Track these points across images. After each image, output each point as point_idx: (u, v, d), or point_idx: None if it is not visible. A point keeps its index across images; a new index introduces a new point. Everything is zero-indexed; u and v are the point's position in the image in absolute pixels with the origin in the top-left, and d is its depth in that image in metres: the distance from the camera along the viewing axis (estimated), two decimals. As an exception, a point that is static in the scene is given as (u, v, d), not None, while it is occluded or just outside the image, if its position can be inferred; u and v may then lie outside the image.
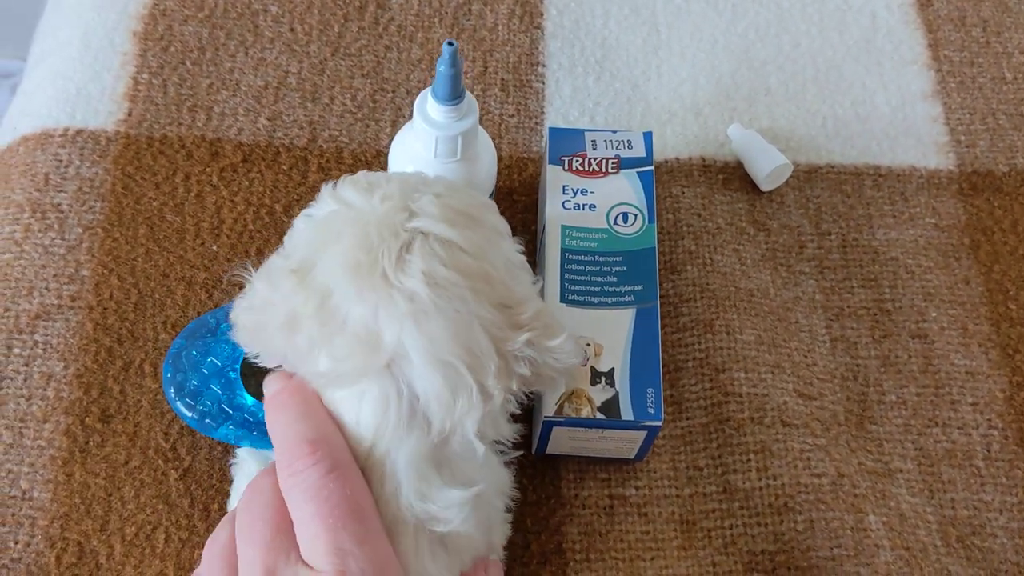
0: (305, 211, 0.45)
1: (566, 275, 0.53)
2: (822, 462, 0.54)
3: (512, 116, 0.66)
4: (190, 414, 0.53)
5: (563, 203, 0.55)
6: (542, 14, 0.70)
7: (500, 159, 0.64)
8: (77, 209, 0.60)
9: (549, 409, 0.49)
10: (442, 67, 0.47)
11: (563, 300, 0.52)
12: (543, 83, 0.67)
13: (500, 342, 0.41)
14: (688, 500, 0.54)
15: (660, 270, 0.58)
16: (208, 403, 0.54)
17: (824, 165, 0.65)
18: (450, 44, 0.46)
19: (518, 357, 0.42)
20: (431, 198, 0.42)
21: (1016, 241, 0.63)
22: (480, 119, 0.65)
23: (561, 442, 0.52)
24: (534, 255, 0.60)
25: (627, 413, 0.49)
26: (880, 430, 0.56)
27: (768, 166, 0.62)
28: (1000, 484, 0.55)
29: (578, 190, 0.56)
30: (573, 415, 0.49)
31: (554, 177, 0.56)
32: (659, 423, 0.49)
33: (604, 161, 0.56)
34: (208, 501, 0.53)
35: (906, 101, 0.68)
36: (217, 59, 0.67)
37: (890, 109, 0.68)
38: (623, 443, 0.51)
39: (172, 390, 0.54)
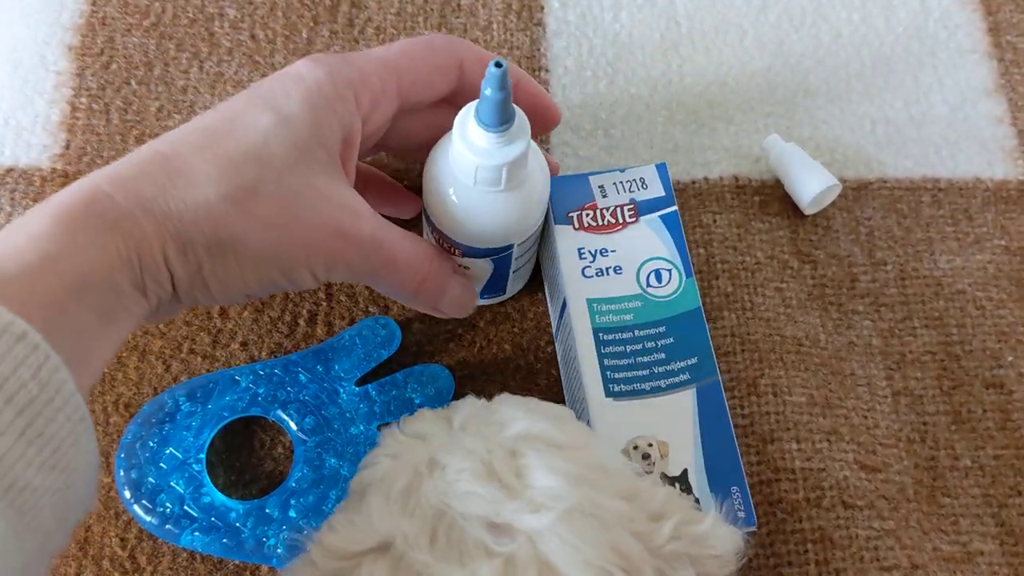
0: (366, 459, 0.38)
1: (605, 361, 0.44)
2: (891, 551, 0.46)
3: (513, 134, 0.56)
4: (149, 518, 0.46)
5: (583, 271, 0.46)
6: (542, 8, 0.61)
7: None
8: (9, 266, 0.51)
9: None
10: (488, 91, 0.37)
11: (608, 394, 0.44)
12: (547, 91, 0.58)
13: (646, 539, 0.34)
14: (736, 598, 0.46)
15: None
16: (169, 504, 0.46)
17: (875, 180, 0.56)
18: (498, 66, 0.36)
19: (674, 558, 0.34)
20: (512, 406, 0.38)
21: (1100, 265, 0.54)
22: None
23: None
24: (551, 327, 0.52)
25: None
26: (955, 503, 0.49)
27: (814, 188, 0.53)
28: (1096, 563, 0.48)
29: (597, 251, 0.46)
30: None
31: (565, 241, 0.47)
32: (753, 528, 0.41)
33: (619, 210, 0.47)
34: (174, 622, 0.45)
35: (966, 99, 0.59)
36: (167, 76, 0.57)
37: (948, 109, 0.59)
38: None
39: (127, 490, 0.46)
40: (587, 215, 0.47)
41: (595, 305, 0.45)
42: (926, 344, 0.52)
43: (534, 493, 0.33)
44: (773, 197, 0.55)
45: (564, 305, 0.46)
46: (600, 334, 0.45)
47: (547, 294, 0.51)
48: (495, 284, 0.48)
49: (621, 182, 0.48)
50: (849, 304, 0.53)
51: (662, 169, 0.48)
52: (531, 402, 0.39)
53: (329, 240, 0.38)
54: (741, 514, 0.41)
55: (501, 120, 0.38)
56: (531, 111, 0.42)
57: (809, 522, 0.46)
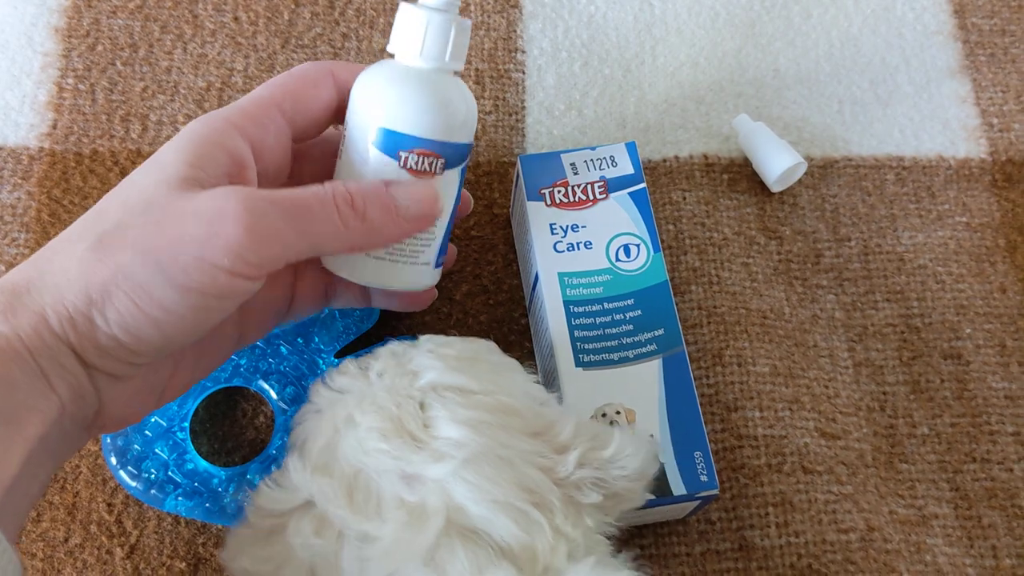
0: (297, 416, 0.40)
1: (575, 332, 0.46)
2: (849, 514, 0.48)
3: (490, 113, 0.58)
4: (134, 484, 0.47)
5: (554, 245, 0.48)
6: (519, -10, 0.62)
7: (477, 165, 0.57)
8: (-2, 242, 0.53)
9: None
10: None
11: (578, 364, 0.45)
12: (523, 72, 0.59)
13: (551, 472, 0.36)
14: (699, 559, 0.48)
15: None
16: (153, 470, 0.48)
17: (841, 158, 0.58)
18: None
19: (579, 485, 0.36)
20: (426, 354, 0.39)
21: (1057, 240, 0.56)
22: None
23: None
24: (524, 306, 0.53)
25: (678, 487, 0.43)
26: (912, 469, 0.50)
27: (780, 166, 0.55)
28: (1046, 526, 0.50)
29: (568, 227, 0.48)
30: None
31: (537, 216, 0.48)
32: (715, 491, 0.43)
33: (590, 187, 0.49)
34: (160, 583, 0.47)
35: (931, 79, 0.61)
36: (152, 57, 0.59)
37: (913, 89, 0.60)
38: (674, 511, 0.46)
39: (113, 457, 0.48)
40: (559, 192, 0.49)
41: (566, 278, 0.47)
42: (887, 317, 0.54)
43: (439, 443, 0.35)
44: (741, 175, 0.57)
45: (536, 279, 0.48)
46: (571, 306, 0.46)
47: (520, 269, 0.53)
48: (447, 234, 0.45)
49: (592, 160, 0.49)
50: (813, 279, 0.55)
51: (631, 148, 0.50)
52: (451, 343, 0.41)
53: (212, 228, 0.34)
54: (704, 478, 0.43)
55: None
56: None
57: (770, 486, 0.48)
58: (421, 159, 0.40)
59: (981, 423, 0.52)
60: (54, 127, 0.56)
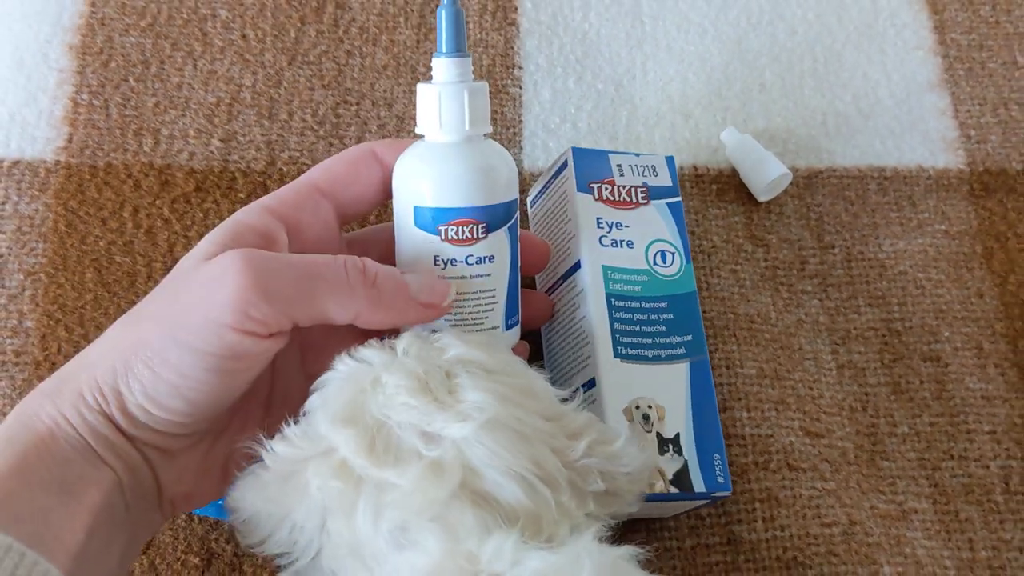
0: (318, 381, 0.40)
1: (615, 325, 0.47)
2: (832, 509, 0.50)
3: (487, 127, 0.60)
4: (150, 483, 0.49)
5: (600, 239, 0.49)
6: (516, 9, 0.64)
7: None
8: (17, 252, 0.55)
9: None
10: (444, 9, 0.40)
11: (617, 355, 0.47)
12: (520, 87, 0.62)
13: (561, 454, 0.38)
14: (690, 553, 0.50)
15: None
16: (169, 470, 0.50)
17: (825, 169, 0.60)
18: None
19: (586, 472, 0.38)
20: (450, 335, 0.40)
21: (1032, 247, 0.59)
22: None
23: None
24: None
25: (699, 484, 0.45)
26: (893, 466, 0.53)
27: (766, 176, 0.57)
28: (1021, 520, 0.52)
29: (613, 224, 0.49)
30: (648, 491, 0.44)
31: (585, 207, 0.49)
32: (728, 493, 0.45)
33: (633, 190, 0.51)
34: (174, 577, 0.49)
35: (911, 92, 0.63)
36: (163, 73, 0.61)
37: (894, 102, 0.63)
38: (674, 509, 0.48)
39: (129, 457, 0.50)
40: (606, 189, 0.50)
41: (609, 272, 0.48)
42: (869, 321, 0.56)
43: (462, 406, 0.37)
44: (729, 185, 0.59)
45: (577, 266, 0.49)
46: (612, 299, 0.48)
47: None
48: (512, 293, 0.45)
49: (636, 165, 0.51)
50: (799, 284, 0.57)
51: (670, 161, 0.52)
52: (471, 336, 0.42)
53: (227, 290, 0.35)
54: (721, 479, 0.45)
55: (459, 43, 0.40)
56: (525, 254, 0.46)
57: (757, 483, 0.51)
58: (459, 229, 0.41)
59: (959, 422, 0.54)
60: (69, 141, 0.59)
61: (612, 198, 0.50)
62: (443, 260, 0.42)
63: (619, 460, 0.39)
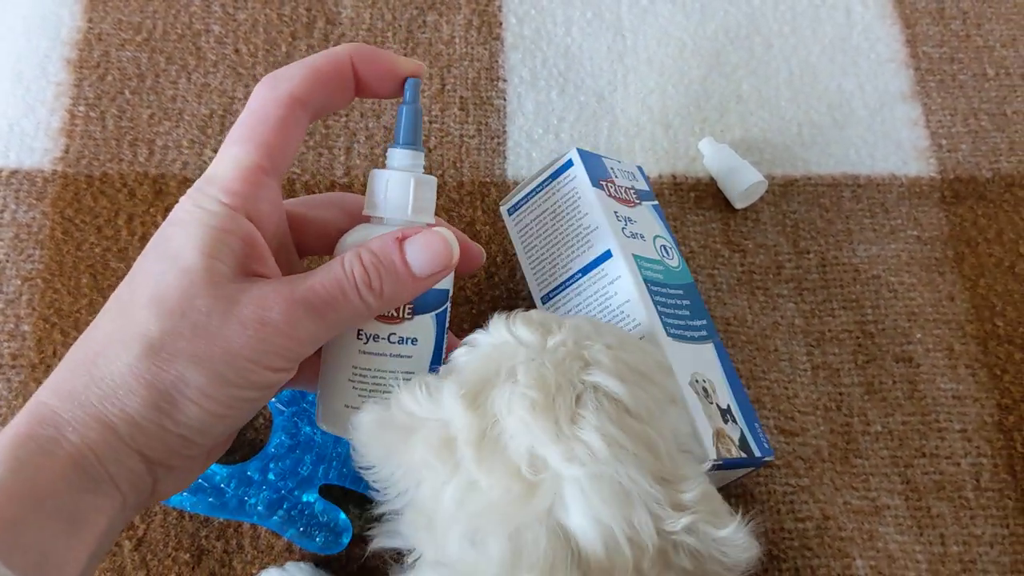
0: (470, 337, 0.41)
1: (659, 308, 0.48)
2: (806, 504, 0.51)
3: (472, 137, 0.62)
4: (142, 481, 0.51)
5: (623, 230, 0.50)
6: (501, 24, 0.66)
7: (461, 184, 0.61)
8: (15, 259, 0.57)
9: (712, 452, 0.44)
10: (407, 104, 0.42)
11: (668, 335, 0.47)
12: (504, 99, 0.64)
13: (659, 521, 0.36)
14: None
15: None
16: (161, 468, 0.51)
17: (800, 177, 0.62)
18: (414, 79, 0.42)
19: (678, 545, 0.36)
20: (604, 349, 0.39)
21: (1001, 252, 0.60)
22: (439, 141, 0.62)
23: None
24: (524, 297, 0.57)
25: (757, 450, 0.47)
26: (866, 464, 0.54)
27: (742, 184, 0.59)
28: (991, 516, 0.53)
29: (626, 218, 0.51)
30: (727, 456, 0.45)
31: (603, 202, 0.50)
32: (772, 458, 0.48)
33: (628, 190, 0.53)
34: (165, 572, 0.50)
35: (884, 103, 0.65)
36: (158, 86, 0.63)
37: (868, 112, 0.65)
38: (724, 479, 0.49)
39: (122, 456, 0.51)
40: (611, 187, 0.52)
41: (639, 260, 0.49)
42: (843, 323, 0.58)
43: (577, 447, 0.36)
44: (707, 193, 0.61)
45: (608, 255, 0.49)
46: (650, 285, 0.49)
47: (534, 262, 0.53)
48: (437, 353, 0.45)
49: (623, 169, 0.54)
50: (775, 288, 0.59)
51: (641, 171, 0.55)
52: (629, 346, 0.41)
53: (260, 335, 0.37)
54: (767, 444, 0.48)
55: (416, 137, 0.42)
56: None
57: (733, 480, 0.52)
58: None
59: (930, 421, 0.55)
60: (66, 151, 0.60)
61: (618, 196, 0.52)
62: (366, 335, 0.43)
63: (721, 547, 0.37)
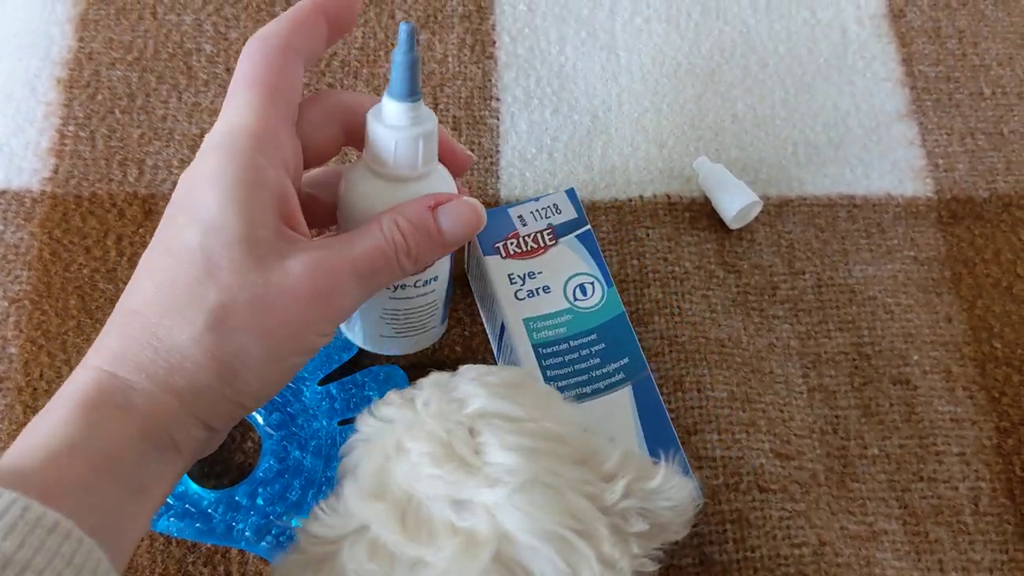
0: (345, 446, 0.42)
1: (547, 373, 0.49)
2: (802, 530, 0.51)
3: (465, 157, 0.62)
4: (128, 506, 0.50)
5: (515, 294, 0.51)
6: (494, 42, 0.66)
7: (454, 205, 0.60)
8: (2, 280, 0.56)
9: None
10: (400, 55, 0.39)
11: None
12: (497, 119, 0.63)
13: (598, 499, 0.37)
14: (663, 574, 0.50)
15: (626, 324, 0.55)
16: (147, 493, 0.50)
17: (796, 197, 0.62)
18: (407, 25, 0.39)
19: (626, 514, 0.37)
20: (470, 383, 0.40)
21: (999, 272, 0.60)
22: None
23: None
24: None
25: None
26: (863, 488, 0.54)
27: (736, 205, 0.59)
28: (989, 541, 0.52)
29: (525, 275, 0.51)
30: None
31: (496, 269, 0.52)
32: (700, 502, 0.46)
33: (539, 235, 0.53)
34: (151, 599, 0.49)
35: (880, 123, 0.65)
36: (148, 106, 0.62)
37: (864, 132, 0.64)
38: None
39: (108, 480, 0.50)
40: (512, 243, 0.52)
41: (531, 323, 0.50)
42: (839, 345, 0.57)
43: (491, 469, 0.36)
44: (702, 213, 0.61)
45: (503, 328, 0.51)
46: (540, 349, 0.50)
47: (484, 321, 0.57)
48: (448, 296, 0.50)
49: (537, 210, 0.53)
50: (770, 310, 0.58)
51: (571, 194, 0.54)
52: (492, 371, 0.41)
53: (313, 307, 0.39)
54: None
55: (413, 89, 0.40)
56: (443, 157, 0.45)
57: (728, 504, 0.51)
58: None
59: (928, 444, 0.55)
60: (56, 171, 0.60)
61: (520, 250, 0.52)
62: (395, 284, 0.45)
63: (661, 495, 0.38)
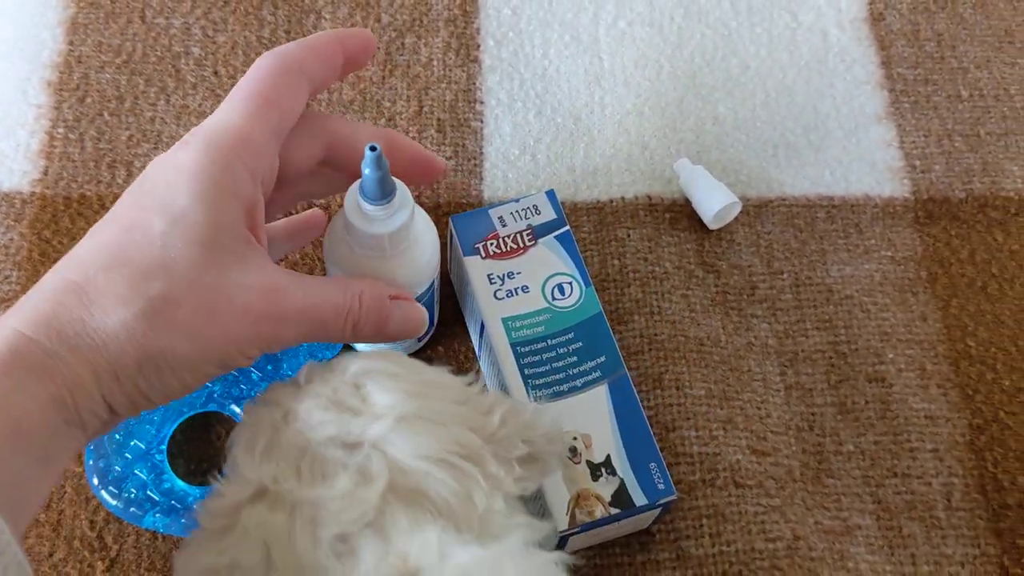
0: (232, 432, 0.42)
1: (525, 371, 0.50)
2: (777, 524, 0.52)
3: (450, 159, 0.63)
4: (115, 502, 0.51)
5: (494, 294, 0.52)
6: (479, 46, 0.67)
7: (438, 205, 0.61)
8: (-8, 280, 0.57)
9: (562, 523, 0.47)
10: (367, 170, 0.42)
11: (532, 399, 0.49)
12: (482, 121, 0.64)
13: (480, 430, 0.40)
14: (640, 568, 0.52)
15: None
16: (133, 490, 0.52)
17: (775, 198, 0.63)
18: (372, 149, 0.41)
19: (507, 441, 0.40)
20: (349, 357, 0.42)
21: (974, 272, 0.61)
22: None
23: (577, 543, 0.49)
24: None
25: (639, 498, 0.47)
26: (838, 484, 0.54)
27: (715, 206, 0.59)
28: (961, 535, 0.53)
29: (504, 275, 0.52)
30: (588, 519, 0.47)
31: (475, 270, 0.53)
32: (673, 496, 0.47)
33: (519, 236, 0.54)
34: (138, 593, 0.50)
35: (859, 125, 0.66)
36: (137, 108, 0.63)
37: (843, 134, 0.65)
38: (639, 521, 0.50)
39: (95, 477, 0.51)
40: (491, 244, 0.53)
41: (509, 323, 0.51)
42: (816, 344, 0.58)
43: (376, 408, 0.39)
44: (682, 214, 0.62)
45: (483, 327, 0.52)
46: (517, 347, 0.51)
47: (466, 321, 0.58)
48: (434, 301, 0.54)
49: (517, 211, 0.54)
50: (748, 309, 0.59)
51: (551, 195, 0.55)
52: (367, 352, 0.44)
53: (256, 328, 0.39)
54: (661, 486, 0.47)
55: (381, 194, 0.43)
56: (414, 167, 0.47)
57: (704, 500, 0.52)
58: None
59: (902, 441, 0.56)
60: (45, 173, 0.61)
61: (499, 250, 0.53)
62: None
63: (533, 426, 0.42)
